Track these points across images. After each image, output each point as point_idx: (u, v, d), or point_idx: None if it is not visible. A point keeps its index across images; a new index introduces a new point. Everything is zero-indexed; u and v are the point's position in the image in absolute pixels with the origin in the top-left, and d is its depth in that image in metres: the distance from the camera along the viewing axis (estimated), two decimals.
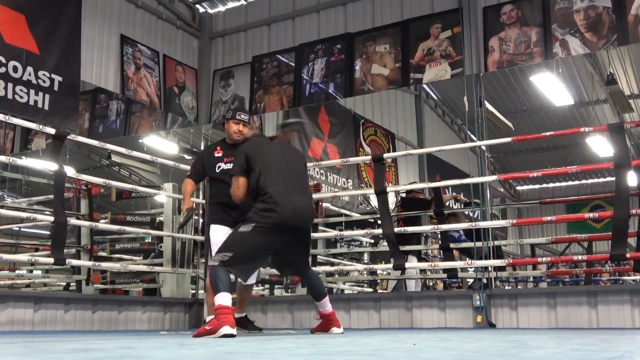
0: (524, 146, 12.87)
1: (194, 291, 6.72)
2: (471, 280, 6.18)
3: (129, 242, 7.25)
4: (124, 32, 7.47)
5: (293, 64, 7.78)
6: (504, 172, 12.18)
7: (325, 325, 4.48)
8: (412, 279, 7.16)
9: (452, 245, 6.30)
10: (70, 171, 5.14)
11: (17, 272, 7.71)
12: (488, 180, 5.96)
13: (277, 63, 7.91)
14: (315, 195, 5.93)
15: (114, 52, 7.33)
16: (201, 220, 6.59)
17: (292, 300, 6.31)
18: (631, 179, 4.78)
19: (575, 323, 5.02)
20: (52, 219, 4.78)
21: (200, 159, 5.06)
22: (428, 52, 6.91)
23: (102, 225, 6.18)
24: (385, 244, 5.88)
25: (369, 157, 6.20)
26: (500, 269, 5.75)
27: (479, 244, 5.79)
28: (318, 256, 7.03)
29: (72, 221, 5.20)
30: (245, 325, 5.01)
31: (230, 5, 8.50)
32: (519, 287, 8.81)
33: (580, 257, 5.47)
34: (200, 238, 6.39)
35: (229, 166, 4.87)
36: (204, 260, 6.16)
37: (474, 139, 6.52)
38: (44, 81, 6.13)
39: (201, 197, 6.52)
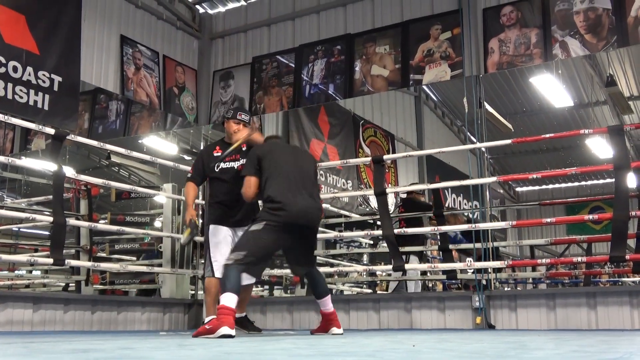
0: (523, 148, 12.86)
1: (193, 292, 6.72)
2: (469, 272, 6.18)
3: (128, 243, 7.25)
4: (124, 33, 7.47)
5: (293, 65, 7.78)
6: (504, 174, 12.17)
7: (325, 324, 4.50)
8: (412, 280, 7.17)
9: (450, 246, 6.29)
10: (69, 171, 5.14)
11: (16, 272, 7.71)
12: (487, 182, 5.96)
13: (277, 64, 7.91)
14: None
15: (114, 53, 7.33)
16: (200, 221, 6.58)
17: (291, 301, 6.31)
18: (631, 180, 4.78)
19: (574, 324, 5.02)
20: (51, 219, 4.77)
21: (200, 159, 5.03)
22: (428, 54, 6.91)
23: (102, 225, 6.18)
24: (385, 245, 5.88)
25: (369, 159, 6.19)
26: (499, 270, 5.75)
27: (478, 245, 5.79)
28: (317, 257, 7.03)
29: (72, 222, 5.20)
30: (245, 325, 5.01)
31: (230, 6, 8.50)
32: (518, 288, 8.81)
33: (579, 259, 5.46)
34: (199, 239, 6.38)
35: (228, 165, 4.88)
36: (203, 261, 6.17)
37: (474, 140, 6.53)
38: (43, 81, 6.13)
39: (200, 197, 6.51)
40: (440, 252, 6.59)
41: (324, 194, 7.82)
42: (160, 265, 6.54)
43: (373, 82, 7.21)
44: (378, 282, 8.63)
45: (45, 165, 5.24)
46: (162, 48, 8.01)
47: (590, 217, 5.04)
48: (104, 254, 7.01)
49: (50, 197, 5.24)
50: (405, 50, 7.07)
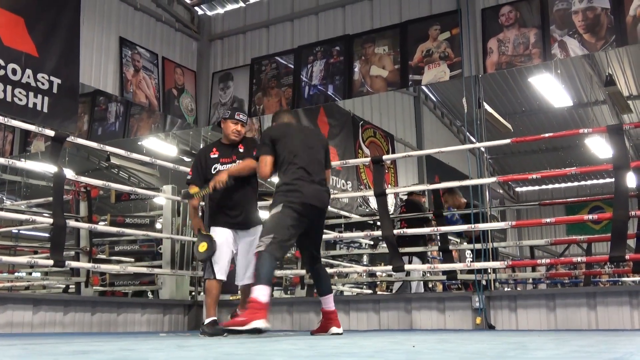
0: (523, 148, 12.88)
1: (193, 293, 6.72)
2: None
3: (128, 244, 7.25)
4: (123, 35, 7.47)
5: (292, 66, 7.78)
6: (503, 174, 12.18)
7: (325, 323, 4.51)
8: (413, 281, 7.18)
9: (450, 247, 6.29)
10: (69, 173, 5.14)
11: (16, 274, 7.71)
12: (487, 182, 5.96)
13: (276, 65, 7.92)
14: None
15: (113, 55, 7.33)
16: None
17: (291, 302, 6.31)
18: (630, 180, 4.78)
19: (574, 325, 5.02)
20: (51, 221, 4.77)
21: (198, 161, 5.01)
22: (427, 54, 6.91)
23: (101, 227, 6.18)
24: (385, 245, 5.88)
25: (368, 159, 6.20)
26: (495, 270, 5.75)
27: (478, 245, 5.79)
28: None
29: (71, 223, 5.20)
30: None
31: (229, 7, 8.50)
32: (518, 288, 8.82)
33: (579, 259, 5.47)
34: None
35: (226, 167, 4.87)
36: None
37: (473, 140, 6.53)
38: (43, 84, 6.13)
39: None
40: (440, 253, 6.60)
41: None
42: (160, 266, 6.55)
43: (372, 82, 7.21)
44: (378, 282, 8.63)
45: (45, 167, 5.24)
46: (161, 50, 8.01)
47: (590, 217, 5.04)
48: (103, 256, 7.01)
49: (50, 199, 5.25)
50: (404, 51, 7.07)
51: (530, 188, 16.03)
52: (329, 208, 8.14)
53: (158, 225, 7.20)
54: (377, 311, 5.78)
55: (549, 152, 12.93)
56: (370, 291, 8.73)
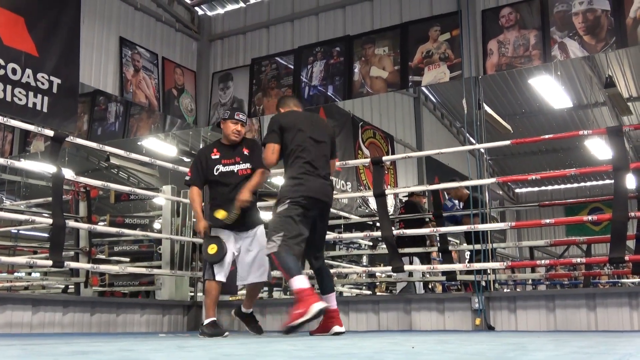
0: (522, 149, 12.91)
1: (192, 293, 6.71)
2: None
3: (127, 245, 7.24)
4: (123, 35, 7.47)
5: (292, 67, 7.77)
6: (503, 175, 12.19)
7: (327, 322, 4.49)
8: (417, 281, 7.19)
9: (450, 247, 6.29)
10: (68, 173, 5.14)
11: (15, 274, 7.71)
12: (487, 183, 5.96)
13: (276, 65, 7.92)
14: None
15: (113, 55, 7.33)
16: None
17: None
18: (630, 181, 4.78)
19: (574, 326, 5.02)
20: (50, 221, 4.77)
21: (198, 161, 4.96)
22: (427, 55, 6.91)
23: (101, 227, 6.18)
24: (384, 246, 5.88)
25: (368, 160, 6.19)
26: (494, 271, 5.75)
27: (477, 246, 5.79)
28: None
29: (71, 223, 5.19)
30: (248, 322, 5.02)
31: (229, 7, 8.50)
32: (517, 289, 8.82)
33: (579, 260, 5.47)
34: (198, 240, 6.38)
35: (228, 169, 4.86)
36: (202, 264, 6.16)
37: (473, 141, 6.53)
38: (42, 83, 6.13)
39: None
40: (440, 253, 6.60)
41: None
42: (159, 267, 6.55)
43: (372, 83, 7.21)
44: (377, 283, 8.63)
45: (45, 167, 5.24)
46: (161, 50, 8.01)
47: (590, 218, 5.04)
48: (103, 256, 7.01)
49: (50, 199, 5.25)
50: (404, 52, 7.07)
51: (529, 189, 16.05)
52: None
53: (157, 225, 7.20)
54: (377, 312, 5.78)
55: (549, 154, 12.95)
56: (369, 292, 8.73)
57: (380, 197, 5.53)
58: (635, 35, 5.91)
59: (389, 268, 5.56)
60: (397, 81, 7.10)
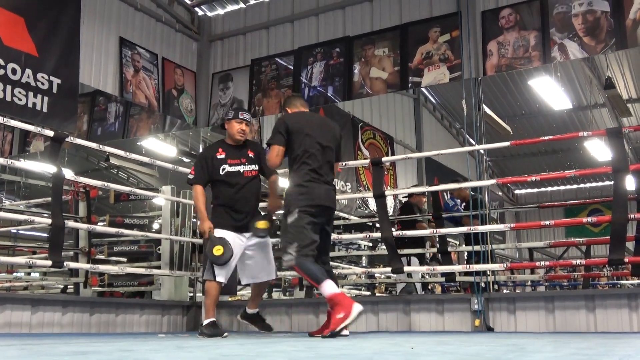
0: (522, 150, 12.91)
1: (191, 294, 6.71)
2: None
3: (127, 245, 7.24)
4: (123, 35, 7.47)
5: (292, 67, 7.78)
6: (503, 176, 12.21)
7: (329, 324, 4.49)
8: (417, 282, 7.19)
9: (449, 249, 6.29)
10: (68, 173, 5.14)
11: (14, 274, 7.71)
12: (486, 184, 5.97)
13: (276, 66, 7.92)
14: None
15: (113, 55, 7.33)
16: (199, 223, 6.58)
17: (290, 304, 6.30)
18: (629, 183, 4.78)
19: (573, 327, 5.01)
20: (50, 221, 4.77)
21: (203, 160, 4.93)
22: (427, 56, 6.92)
23: (100, 227, 6.18)
24: (384, 247, 5.88)
25: (368, 161, 6.19)
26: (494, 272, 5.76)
27: (477, 247, 5.79)
28: None
29: (70, 224, 5.19)
30: (256, 322, 5.02)
31: (229, 8, 8.50)
32: (517, 290, 8.82)
33: (578, 261, 5.47)
34: (198, 241, 6.38)
35: (234, 169, 4.86)
36: (200, 264, 6.16)
37: (473, 142, 6.53)
38: (42, 83, 6.13)
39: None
40: (439, 255, 6.60)
41: None
42: (158, 267, 6.54)
43: (372, 84, 7.22)
44: (377, 284, 8.63)
45: (44, 167, 5.24)
46: (161, 50, 8.01)
47: (589, 219, 5.04)
48: (102, 256, 7.01)
49: (49, 199, 5.25)
50: (404, 53, 7.08)
51: (529, 190, 16.06)
52: None
53: (155, 226, 7.20)
54: (376, 312, 5.78)
55: (549, 155, 12.95)
56: (368, 293, 8.73)
57: (380, 198, 5.53)
58: (634, 36, 5.92)
59: (389, 269, 5.56)
60: (397, 82, 7.11)
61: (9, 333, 4.73)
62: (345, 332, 4.34)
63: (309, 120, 4.69)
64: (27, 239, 7.91)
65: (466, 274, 5.85)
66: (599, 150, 9.33)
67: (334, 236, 7.28)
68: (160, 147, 8.28)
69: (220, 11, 8.57)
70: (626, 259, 4.60)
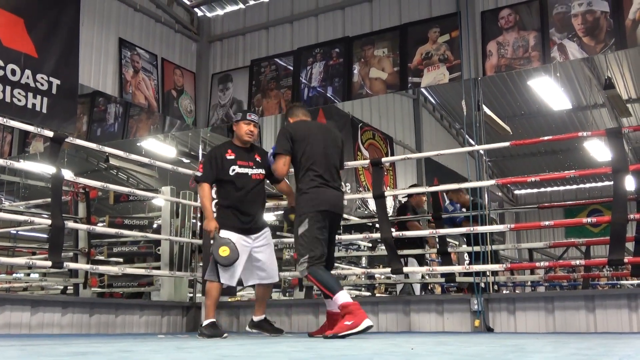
0: (522, 150, 12.89)
1: (191, 294, 6.71)
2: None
3: (126, 246, 7.23)
4: (123, 36, 7.47)
5: (291, 68, 7.78)
6: (502, 176, 12.21)
7: (331, 325, 4.49)
8: (415, 283, 7.18)
9: (449, 249, 6.28)
10: (68, 174, 5.13)
11: (14, 275, 7.70)
12: (486, 185, 5.96)
13: (276, 67, 7.92)
14: None
15: (112, 56, 7.33)
16: (199, 224, 6.58)
17: (289, 304, 6.31)
18: (629, 183, 4.78)
19: (573, 327, 5.02)
20: (49, 222, 4.77)
21: (213, 159, 4.92)
22: (426, 56, 6.92)
23: (100, 228, 6.18)
24: (383, 247, 5.88)
25: (367, 161, 6.19)
26: (496, 273, 5.75)
27: (476, 248, 5.78)
28: None
29: (70, 224, 5.19)
30: (265, 328, 5.01)
31: (229, 9, 8.50)
32: (516, 291, 8.81)
33: (578, 262, 5.47)
34: (198, 241, 6.38)
35: (243, 171, 4.87)
36: (201, 264, 6.16)
37: (472, 143, 6.53)
38: (42, 84, 6.13)
39: (199, 200, 6.50)
40: (439, 255, 6.59)
41: None
42: (158, 267, 6.54)
43: (371, 84, 7.22)
44: (377, 285, 8.63)
45: (44, 168, 5.24)
46: (161, 51, 8.01)
47: (589, 220, 5.03)
48: (102, 257, 7.01)
49: (49, 199, 5.25)
50: (403, 53, 7.08)
51: (529, 191, 16.05)
52: None
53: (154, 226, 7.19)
54: (376, 313, 5.78)
55: (548, 155, 12.94)
56: (368, 293, 8.72)
57: (380, 198, 5.53)
58: (634, 36, 5.92)
59: (388, 269, 5.56)
60: (397, 82, 7.11)
61: (8, 334, 4.73)
62: None
63: (311, 128, 4.76)
64: (27, 240, 7.90)
65: (467, 274, 5.84)
66: (598, 150, 9.32)
67: None
68: (159, 147, 8.28)
69: (219, 12, 8.57)
70: (626, 260, 4.60)
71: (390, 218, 6.43)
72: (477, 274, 5.41)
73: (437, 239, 6.80)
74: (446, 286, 7.49)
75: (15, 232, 7.59)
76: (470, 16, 6.71)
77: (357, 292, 8.64)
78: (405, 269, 5.98)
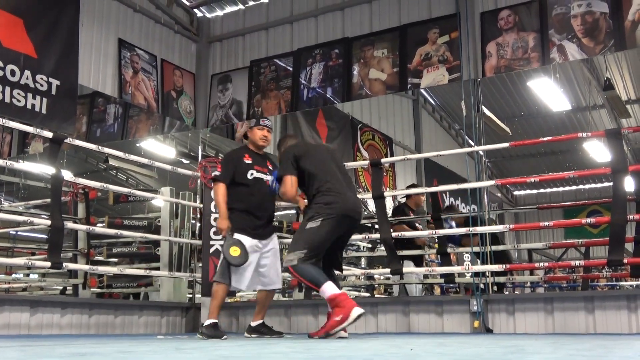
0: (521, 151, 12.89)
1: (190, 295, 6.71)
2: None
3: (125, 246, 7.23)
4: (122, 36, 7.47)
5: (291, 69, 7.78)
6: (502, 177, 12.21)
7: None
8: (410, 284, 7.16)
9: (449, 249, 6.28)
10: (67, 175, 5.14)
11: (13, 275, 7.70)
12: (485, 186, 5.96)
13: (275, 67, 7.92)
14: None
15: (112, 56, 7.33)
16: (198, 225, 6.58)
17: (289, 305, 6.31)
18: (628, 184, 4.78)
19: (572, 328, 5.02)
20: (48, 222, 4.77)
21: (232, 161, 4.98)
22: (426, 57, 6.92)
23: (99, 229, 6.18)
24: (383, 248, 5.88)
25: (367, 162, 6.19)
26: (498, 274, 5.75)
27: (476, 249, 5.79)
28: None
29: (69, 225, 5.19)
30: (263, 332, 5.00)
31: (228, 9, 8.49)
32: (516, 292, 8.80)
33: (577, 263, 5.47)
34: (197, 242, 6.38)
35: (260, 176, 4.92)
36: (201, 265, 6.16)
37: (472, 143, 6.53)
38: (41, 85, 6.13)
39: (198, 201, 6.51)
40: (439, 256, 6.59)
41: None
42: (157, 268, 6.54)
43: (371, 85, 7.22)
44: (376, 285, 8.62)
45: (43, 169, 5.24)
46: (160, 52, 8.01)
47: (588, 220, 5.04)
48: (101, 258, 7.00)
49: (48, 200, 5.25)
50: (403, 54, 7.08)
51: (528, 191, 16.05)
52: None
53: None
54: (375, 314, 5.78)
55: (548, 156, 12.94)
56: (368, 294, 8.72)
57: (379, 199, 5.53)
58: (633, 37, 5.92)
59: (388, 270, 5.56)
60: (396, 83, 7.11)
61: (7, 334, 4.72)
62: (344, 334, 4.33)
63: (308, 144, 4.92)
64: (26, 240, 7.90)
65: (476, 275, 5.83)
66: (598, 151, 9.32)
67: None
68: (159, 148, 8.28)
69: (219, 12, 8.57)
70: (625, 260, 4.60)
71: (389, 219, 6.43)
72: (477, 274, 5.41)
73: (436, 239, 6.80)
74: (445, 287, 7.48)
75: (14, 232, 7.59)
76: (470, 17, 6.72)
77: (356, 293, 8.63)
78: (407, 270, 5.98)
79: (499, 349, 2.86)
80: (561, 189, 15.42)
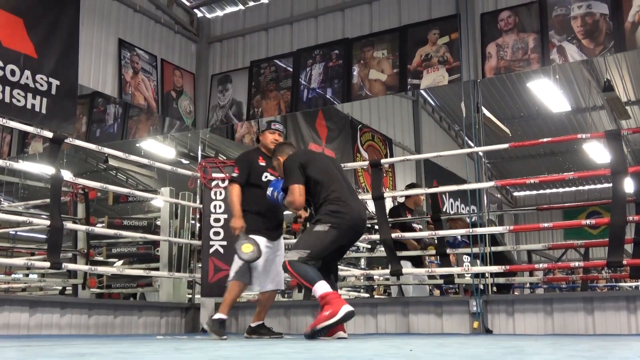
0: (521, 152, 12.90)
1: (190, 296, 6.71)
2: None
3: (125, 247, 7.23)
4: (122, 37, 7.47)
5: (291, 69, 7.78)
6: (501, 178, 12.23)
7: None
8: (408, 285, 7.15)
9: (448, 250, 6.28)
10: (67, 175, 5.14)
11: (13, 276, 7.69)
12: (485, 187, 5.96)
13: (275, 68, 7.92)
14: None
15: (112, 56, 7.33)
16: (198, 225, 6.58)
17: (288, 305, 6.31)
18: (628, 185, 4.78)
19: (571, 329, 5.02)
20: (48, 222, 4.77)
21: (248, 163, 5.00)
22: (426, 58, 6.92)
23: (99, 229, 6.18)
24: (382, 249, 5.88)
25: (367, 163, 6.20)
26: (498, 275, 5.75)
27: (475, 249, 5.78)
28: None
29: (69, 225, 5.19)
30: (262, 333, 5.00)
31: (229, 10, 8.50)
32: (515, 293, 8.80)
33: (576, 264, 5.47)
34: (197, 242, 6.37)
35: (272, 178, 4.93)
36: (201, 265, 6.16)
37: (471, 144, 6.53)
38: (41, 85, 6.13)
39: (198, 201, 6.51)
40: (438, 257, 6.59)
41: None
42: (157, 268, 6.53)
43: (371, 86, 7.22)
44: (375, 286, 8.62)
45: (43, 169, 5.24)
46: (160, 52, 8.01)
47: (588, 222, 5.04)
48: (101, 258, 7.00)
49: (48, 200, 5.24)
50: (403, 55, 7.08)
51: (528, 193, 16.07)
52: None
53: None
54: (375, 315, 5.78)
55: (547, 157, 12.95)
56: (367, 295, 8.72)
57: (379, 200, 5.53)
58: (633, 39, 5.93)
59: (387, 271, 5.56)
60: (396, 84, 7.11)
61: (7, 335, 4.72)
62: (343, 334, 4.33)
63: (309, 151, 4.90)
64: (26, 241, 7.90)
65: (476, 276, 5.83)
66: (597, 152, 9.33)
67: None
68: (159, 148, 8.28)
69: (219, 13, 8.57)
70: (625, 262, 4.60)
71: (389, 220, 6.43)
72: (477, 275, 5.41)
73: (435, 240, 6.80)
74: (445, 288, 7.48)
75: (14, 232, 7.59)
76: (470, 18, 6.72)
77: (356, 294, 8.63)
78: (406, 270, 5.97)
79: (499, 349, 2.86)
80: (561, 190, 15.43)
